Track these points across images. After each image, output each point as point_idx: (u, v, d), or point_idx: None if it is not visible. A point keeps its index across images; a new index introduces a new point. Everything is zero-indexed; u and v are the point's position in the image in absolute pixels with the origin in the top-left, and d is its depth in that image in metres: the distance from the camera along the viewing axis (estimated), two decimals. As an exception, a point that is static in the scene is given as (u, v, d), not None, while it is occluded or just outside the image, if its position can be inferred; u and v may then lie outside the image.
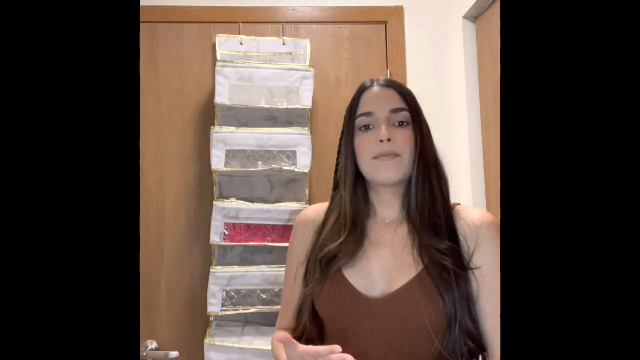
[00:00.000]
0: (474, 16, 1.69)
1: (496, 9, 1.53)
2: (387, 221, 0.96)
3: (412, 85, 1.75)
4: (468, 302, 0.86)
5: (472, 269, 0.88)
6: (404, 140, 0.92)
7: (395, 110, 0.93)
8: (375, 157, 0.91)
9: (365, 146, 0.93)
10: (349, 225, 0.94)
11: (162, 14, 1.72)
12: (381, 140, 0.90)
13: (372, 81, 0.99)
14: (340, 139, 1.02)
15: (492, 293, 0.86)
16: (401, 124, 0.93)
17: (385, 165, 0.91)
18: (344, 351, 0.81)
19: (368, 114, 0.94)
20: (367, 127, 0.94)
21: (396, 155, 0.91)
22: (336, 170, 1.03)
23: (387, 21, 1.77)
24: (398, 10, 1.77)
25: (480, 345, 0.87)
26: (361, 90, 0.98)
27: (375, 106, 0.94)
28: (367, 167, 0.93)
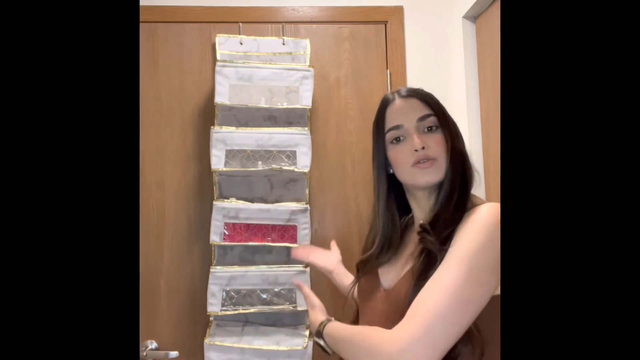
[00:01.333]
0: (474, 16, 1.69)
1: (496, 9, 1.53)
2: (420, 222, 0.98)
3: (411, 85, 1.75)
4: None
5: (444, 250, 0.86)
6: (436, 144, 0.95)
7: (423, 118, 0.96)
8: (414, 166, 0.95)
9: (402, 158, 0.96)
10: (380, 237, 1.03)
11: (162, 14, 1.72)
12: (416, 150, 0.94)
13: (393, 94, 1.01)
14: (373, 154, 1.04)
15: (440, 271, 0.83)
16: (430, 129, 0.96)
17: (426, 172, 0.94)
18: None
19: (397, 127, 0.97)
20: (398, 140, 0.97)
21: (434, 159, 0.94)
22: None
23: (387, 21, 1.77)
24: (398, 10, 1.77)
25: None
26: (385, 104, 1.01)
27: (402, 119, 0.97)
28: (407, 175, 0.97)
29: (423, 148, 0.93)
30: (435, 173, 0.94)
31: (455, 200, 0.92)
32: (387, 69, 1.76)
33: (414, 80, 1.74)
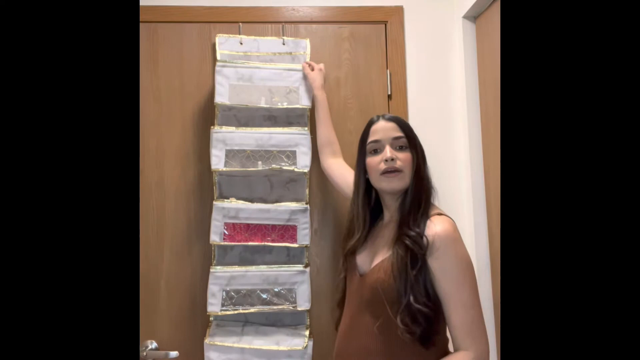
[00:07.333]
0: (474, 16, 1.69)
1: (496, 9, 1.53)
2: (387, 220, 1.29)
3: (412, 85, 1.76)
4: (425, 282, 1.11)
5: (425, 258, 1.13)
6: (404, 159, 1.23)
7: (397, 138, 1.25)
8: (383, 174, 1.22)
9: (375, 166, 1.25)
10: (362, 224, 1.29)
11: (162, 14, 1.72)
12: (386, 160, 1.22)
13: (378, 117, 1.30)
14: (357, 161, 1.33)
15: (451, 298, 1.11)
16: (401, 147, 1.24)
17: (392, 180, 1.23)
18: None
19: (376, 141, 1.26)
20: (375, 151, 1.26)
21: (399, 171, 1.22)
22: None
23: (387, 21, 1.77)
24: (398, 10, 1.77)
25: (432, 316, 1.11)
26: (371, 123, 1.30)
27: (381, 135, 1.26)
28: (377, 181, 1.25)
29: (392, 159, 1.22)
30: (399, 182, 1.22)
31: (419, 206, 1.19)
32: (387, 69, 1.75)
33: (414, 80, 1.74)
